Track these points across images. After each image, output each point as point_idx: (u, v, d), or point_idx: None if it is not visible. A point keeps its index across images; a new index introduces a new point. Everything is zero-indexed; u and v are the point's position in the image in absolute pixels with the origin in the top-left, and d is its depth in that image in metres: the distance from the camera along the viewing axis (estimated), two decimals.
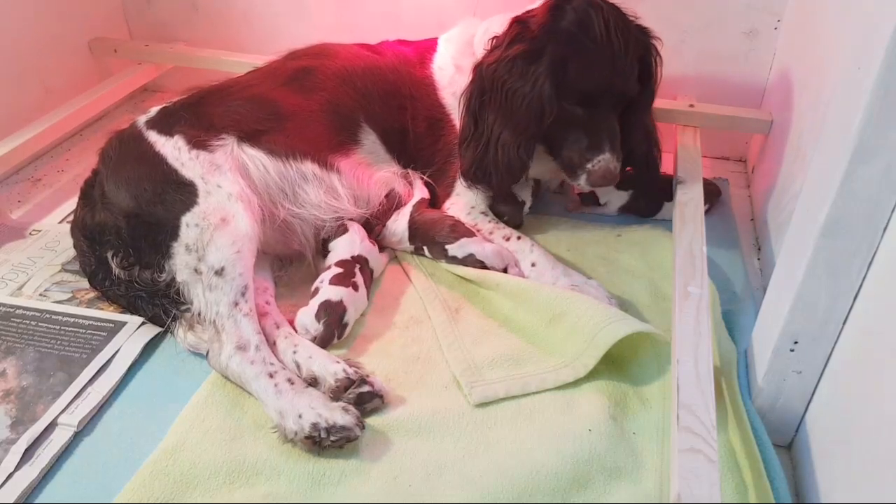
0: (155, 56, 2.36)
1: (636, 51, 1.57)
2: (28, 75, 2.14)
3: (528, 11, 1.61)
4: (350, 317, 1.43)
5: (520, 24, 1.57)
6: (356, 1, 2.24)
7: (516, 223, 1.71)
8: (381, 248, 1.68)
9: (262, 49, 2.21)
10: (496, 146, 1.57)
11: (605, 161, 1.56)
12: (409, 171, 1.73)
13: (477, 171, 1.62)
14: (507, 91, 1.54)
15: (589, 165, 1.57)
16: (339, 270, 1.49)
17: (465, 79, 1.69)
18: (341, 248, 1.56)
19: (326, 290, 1.45)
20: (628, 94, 1.59)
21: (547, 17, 1.54)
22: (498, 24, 1.68)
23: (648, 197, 1.79)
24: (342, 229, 1.59)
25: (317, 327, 1.40)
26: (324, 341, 1.40)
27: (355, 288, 1.47)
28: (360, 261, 1.54)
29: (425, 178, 1.74)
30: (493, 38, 1.62)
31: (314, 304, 1.43)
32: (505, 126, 1.56)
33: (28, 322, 1.48)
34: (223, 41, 2.38)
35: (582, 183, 1.60)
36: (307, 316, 1.42)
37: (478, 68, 1.60)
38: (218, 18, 2.40)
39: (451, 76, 1.73)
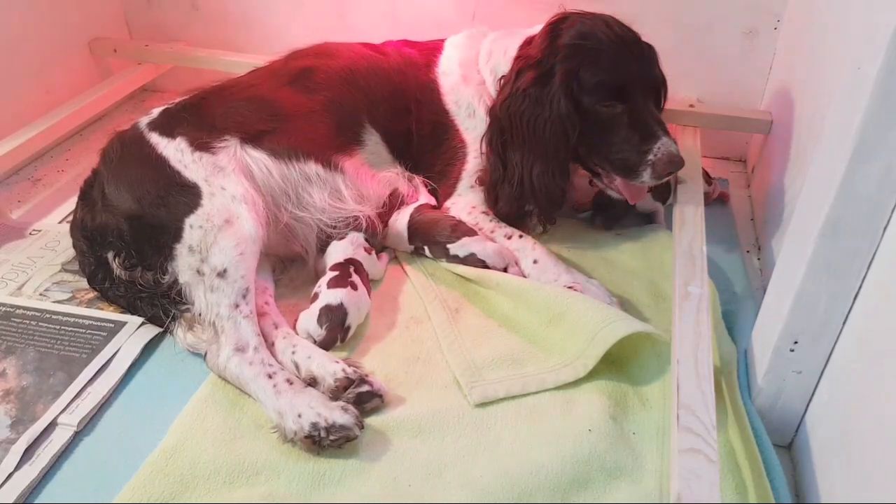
0: (155, 56, 2.36)
1: (646, 45, 1.57)
2: (28, 75, 2.15)
3: (527, 40, 1.61)
4: (352, 319, 1.43)
5: (522, 57, 1.58)
6: (355, 1, 2.24)
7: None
8: (382, 249, 1.68)
9: (262, 49, 2.21)
10: (531, 180, 1.56)
11: (665, 145, 1.50)
12: (415, 176, 1.73)
13: (518, 209, 1.62)
14: (526, 122, 1.53)
15: (651, 157, 1.50)
16: (335, 273, 1.49)
17: (469, 90, 1.71)
18: (336, 253, 1.55)
19: (326, 294, 1.45)
20: (657, 80, 1.58)
21: (547, 40, 1.55)
22: (500, 49, 1.68)
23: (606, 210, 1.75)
24: (341, 236, 1.59)
25: (319, 332, 1.40)
26: (326, 345, 1.39)
27: (354, 287, 1.46)
28: (353, 262, 1.53)
29: (430, 182, 1.73)
30: (500, 79, 1.62)
31: (315, 308, 1.43)
32: (535, 158, 1.55)
33: (28, 322, 1.48)
34: (223, 41, 2.38)
35: (647, 179, 1.53)
36: (310, 321, 1.42)
37: (492, 111, 1.60)
38: (218, 18, 2.40)
39: (455, 83, 1.73)
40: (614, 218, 1.75)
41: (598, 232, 1.74)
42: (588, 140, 1.56)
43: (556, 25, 1.56)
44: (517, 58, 1.59)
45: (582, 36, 1.52)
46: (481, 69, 1.72)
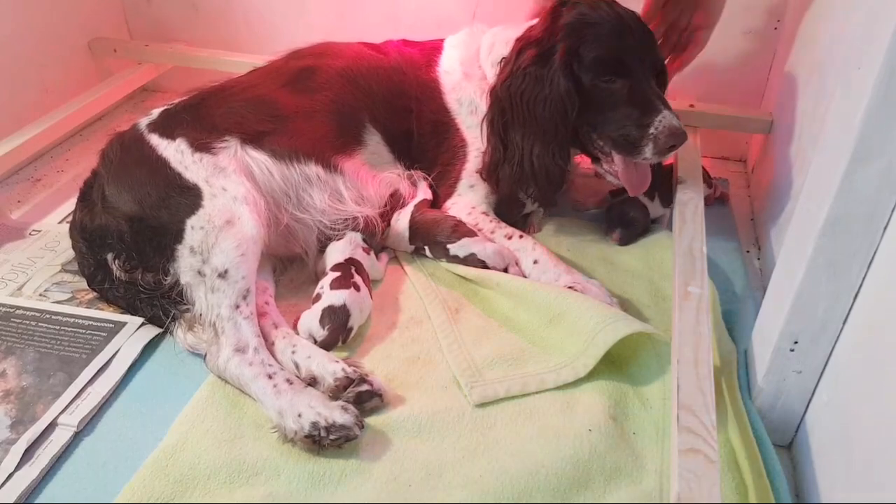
0: (155, 56, 2.36)
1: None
2: (28, 75, 2.14)
3: (530, 27, 1.62)
4: (355, 320, 1.43)
5: (523, 38, 1.58)
6: (356, 1, 2.24)
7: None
8: (382, 249, 1.68)
9: (262, 49, 2.20)
10: (531, 160, 1.56)
11: (666, 118, 1.48)
12: (414, 171, 1.73)
13: (518, 190, 1.63)
14: (527, 101, 1.53)
15: (652, 130, 1.48)
16: (337, 274, 1.49)
17: (471, 86, 1.71)
18: (335, 253, 1.55)
19: (329, 295, 1.44)
20: (657, 58, 1.57)
21: (548, 21, 1.55)
22: (502, 41, 1.69)
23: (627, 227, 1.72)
24: (339, 236, 1.59)
25: (321, 333, 1.40)
26: (327, 346, 1.39)
27: (356, 288, 1.46)
28: (354, 262, 1.53)
29: (430, 178, 1.73)
30: (501, 61, 1.62)
31: (318, 308, 1.43)
32: (535, 138, 1.55)
33: (28, 322, 1.48)
34: (223, 41, 2.38)
35: (650, 155, 1.51)
36: (312, 321, 1.41)
37: (493, 92, 1.60)
38: (218, 18, 2.40)
39: (456, 81, 1.73)
40: (634, 235, 1.71)
41: (598, 232, 1.74)
42: (589, 119, 1.56)
43: (558, 8, 1.57)
44: (518, 39, 1.60)
45: (582, 15, 1.53)
46: (482, 64, 1.73)
